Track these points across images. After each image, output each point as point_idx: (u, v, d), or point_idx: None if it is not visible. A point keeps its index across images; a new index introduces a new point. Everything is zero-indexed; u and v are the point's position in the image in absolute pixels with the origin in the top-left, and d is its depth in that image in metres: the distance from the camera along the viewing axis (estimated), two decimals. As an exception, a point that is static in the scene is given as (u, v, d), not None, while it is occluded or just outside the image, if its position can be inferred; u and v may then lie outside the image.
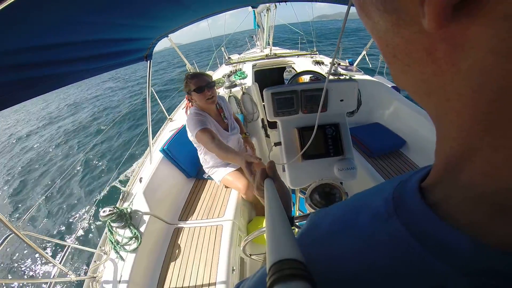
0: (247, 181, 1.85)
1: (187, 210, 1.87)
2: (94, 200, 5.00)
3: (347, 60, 3.23)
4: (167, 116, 2.80)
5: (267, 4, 4.31)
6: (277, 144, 1.08)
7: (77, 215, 4.70)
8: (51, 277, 1.27)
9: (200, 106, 1.72)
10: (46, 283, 1.25)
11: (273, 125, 3.31)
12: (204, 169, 2.06)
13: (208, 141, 1.50)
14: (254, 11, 5.32)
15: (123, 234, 1.47)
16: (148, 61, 1.77)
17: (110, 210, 1.42)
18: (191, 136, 1.68)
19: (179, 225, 1.74)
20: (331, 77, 2.62)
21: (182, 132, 2.19)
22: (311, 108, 0.97)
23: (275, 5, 4.19)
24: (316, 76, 1.61)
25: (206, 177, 2.13)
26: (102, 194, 5.04)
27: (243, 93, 2.64)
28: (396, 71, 0.19)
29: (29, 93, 0.85)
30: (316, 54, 3.97)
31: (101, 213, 1.41)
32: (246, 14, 5.69)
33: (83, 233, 4.16)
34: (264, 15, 4.75)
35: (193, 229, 1.69)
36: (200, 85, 1.60)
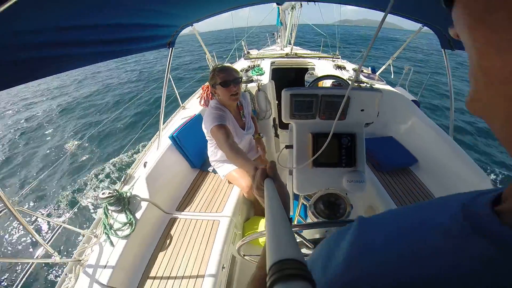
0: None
1: (186, 201, 1.86)
2: (94, 180, 5.00)
3: (369, 68, 3.14)
4: (180, 103, 2.80)
5: (293, 2, 4.25)
6: (289, 147, 1.07)
7: (75, 195, 4.67)
8: (35, 257, 1.26)
9: (222, 100, 1.69)
10: (29, 263, 1.21)
11: (284, 125, 3.29)
12: (211, 161, 2.04)
13: (221, 139, 1.47)
14: (278, 8, 5.29)
15: (118, 218, 1.46)
16: (170, 48, 1.81)
17: (109, 193, 1.41)
18: (205, 128, 1.67)
19: (175, 215, 1.74)
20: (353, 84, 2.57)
21: (194, 121, 2.19)
22: (330, 115, 0.94)
23: (301, 4, 4.16)
24: (339, 82, 1.58)
25: (210, 170, 2.12)
26: (103, 175, 5.06)
27: (259, 89, 2.62)
28: (505, 97, 0.18)
29: (51, 70, 0.89)
30: (339, 58, 3.89)
31: (100, 195, 1.41)
32: (270, 9, 5.67)
33: (77, 214, 4.10)
34: (288, 13, 4.68)
35: (189, 221, 1.68)
36: (227, 79, 1.57)
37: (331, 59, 3.79)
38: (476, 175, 1.69)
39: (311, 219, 1.07)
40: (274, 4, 5.08)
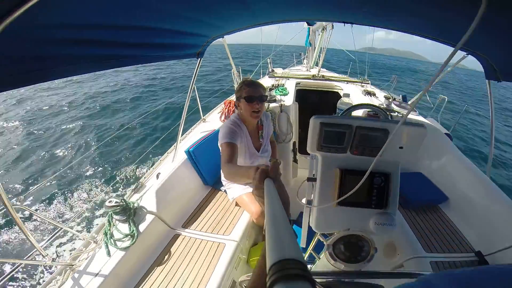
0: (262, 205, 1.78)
1: (194, 218, 1.83)
2: (104, 186, 5.02)
3: (400, 96, 3.02)
4: (202, 116, 2.84)
5: (324, 23, 4.29)
6: (311, 180, 1.00)
7: (82, 198, 4.66)
8: (25, 257, 1.26)
9: (243, 115, 1.69)
10: (17, 263, 1.19)
11: (304, 150, 3.19)
12: (222, 180, 2.02)
13: (224, 157, 1.45)
14: (309, 28, 5.37)
15: (121, 228, 1.46)
16: (199, 59, 1.87)
17: (116, 202, 1.43)
18: (219, 141, 1.66)
19: (180, 231, 1.71)
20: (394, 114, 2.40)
21: (212, 137, 2.20)
22: (363, 150, 0.86)
23: (332, 25, 4.18)
24: (375, 112, 1.46)
25: (223, 189, 2.09)
26: (114, 181, 5.10)
27: (281, 110, 2.57)
28: None
29: (71, 70, 0.88)
30: (368, 83, 3.78)
31: (107, 203, 1.42)
32: (299, 30, 5.77)
33: (81, 219, 4.09)
34: (319, 34, 4.69)
35: (194, 240, 1.65)
36: (252, 95, 1.57)
37: (360, 84, 3.70)
38: (506, 211, 1.58)
39: (327, 259, 1.00)
40: (305, 24, 5.18)
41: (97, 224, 3.98)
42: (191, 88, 2.07)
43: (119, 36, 0.96)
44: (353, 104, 1.27)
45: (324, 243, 1.02)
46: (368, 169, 0.77)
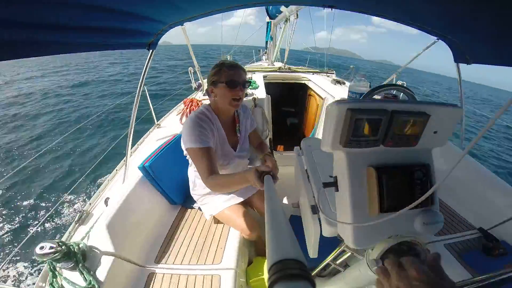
0: (251, 217, 1.59)
1: (167, 249, 1.52)
2: (40, 220, 4.18)
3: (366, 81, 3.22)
4: (155, 121, 2.59)
5: (287, 13, 4.38)
6: (329, 185, 0.83)
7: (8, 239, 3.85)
8: None
9: (218, 103, 1.44)
10: None
11: (279, 146, 3.12)
12: (193, 195, 1.73)
13: (204, 170, 1.26)
14: (270, 22, 5.56)
15: (71, 278, 1.09)
16: (150, 51, 1.63)
17: (51, 247, 1.02)
18: (182, 144, 1.39)
19: (154, 268, 1.39)
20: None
21: (172, 145, 1.87)
22: (399, 140, 0.73)
23: (297, 15, 4.26)
24: (394, 95, 1.34)
25: (196, 206, 1.80)
26: (51, 213, 4.21)
27: (255, 105, 2.43)
28: None
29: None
30: (333, 73, 3.96)
31: (38, 250, 1.00)
32: (257, 28, 5.90)
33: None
34: (280, 28, 4.80)
35: (177, 277, 1.35)
36: (235, 79, 1.35)
37: (326, 74, 3.87)
38: (493, 184, 1.75)
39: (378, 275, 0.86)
40: (267, 18, 5.32)
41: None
42: (140, 88, 1.74)
43: (42, 13, 0.70)
44: (374, 87, 1.12)
45: (365, 260, 0.87)
46: (405, 163, 0.74)
